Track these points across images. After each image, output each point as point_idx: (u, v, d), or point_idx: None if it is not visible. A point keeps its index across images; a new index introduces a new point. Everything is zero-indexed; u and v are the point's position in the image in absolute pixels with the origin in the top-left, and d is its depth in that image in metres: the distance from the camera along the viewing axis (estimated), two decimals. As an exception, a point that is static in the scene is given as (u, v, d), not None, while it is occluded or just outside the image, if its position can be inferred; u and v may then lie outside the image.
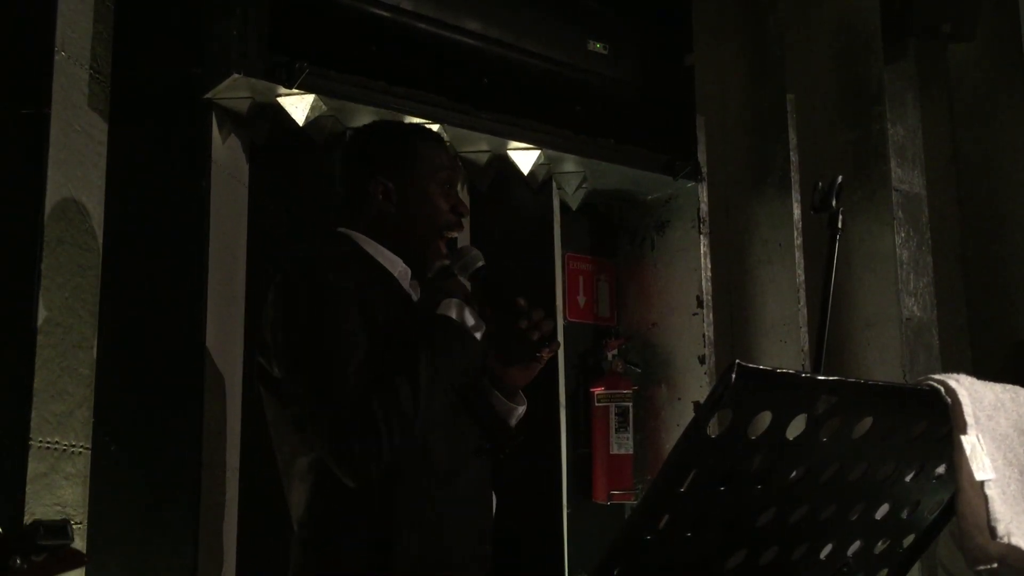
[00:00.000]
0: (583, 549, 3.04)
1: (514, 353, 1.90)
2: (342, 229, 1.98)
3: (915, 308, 3.43)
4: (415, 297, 1.95)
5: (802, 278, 3.33)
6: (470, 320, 1.81)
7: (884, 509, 1.27)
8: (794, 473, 1.13)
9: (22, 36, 2.21)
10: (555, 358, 2.98)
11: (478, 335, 1.82)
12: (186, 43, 2.39)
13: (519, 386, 1.96)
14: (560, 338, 3.07)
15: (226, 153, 2.48)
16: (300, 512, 1.82)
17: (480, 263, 1.93)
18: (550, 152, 2.94)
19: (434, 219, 1.95)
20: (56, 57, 2.20)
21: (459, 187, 2.04)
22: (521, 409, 1.97)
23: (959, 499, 1.23)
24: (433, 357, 1.74)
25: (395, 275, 1.92)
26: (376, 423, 1.66)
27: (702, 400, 3.15)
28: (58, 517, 2.15)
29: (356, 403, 1.67)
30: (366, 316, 1.77)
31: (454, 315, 1.81)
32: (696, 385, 3.19)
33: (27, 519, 2.05)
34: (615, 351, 3.28)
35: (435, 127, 2.58)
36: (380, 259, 1.92)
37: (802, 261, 3.34)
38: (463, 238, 2.85)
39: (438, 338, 1.78)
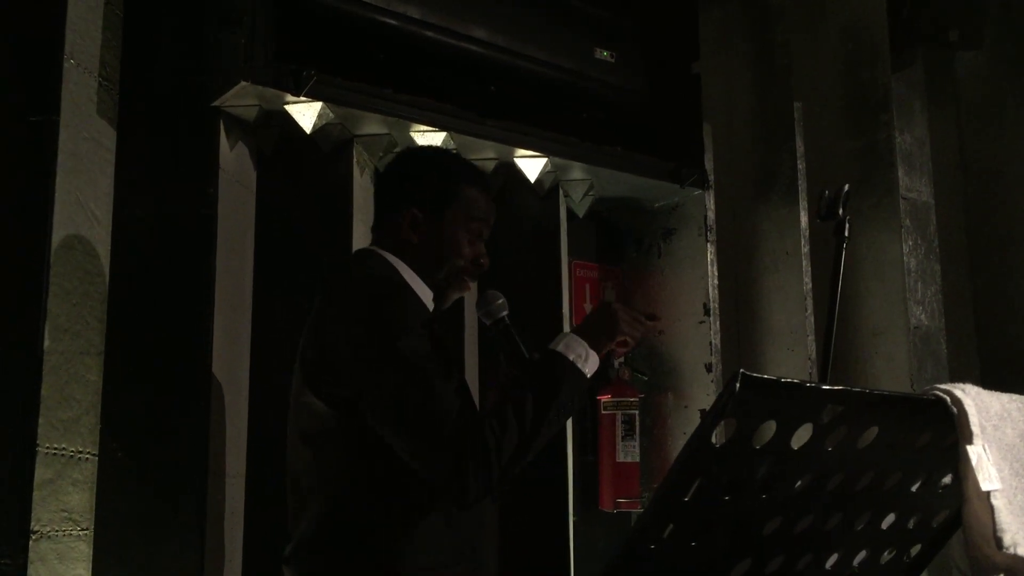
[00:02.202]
0: (589, 557, 3.03)
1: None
2: (374, 248, 1.96)
3: (923, 316, 3.42)
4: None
5: (809, 286, 3.33)
6: (576, 351, 1.78)
7: (890, 519, 1.27)
8: (799, 482, 1.13)
9: (31, 44, 2.22)
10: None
11: (587, 371, 1.79)
12: (194, 51, 2.40)
13: None
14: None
15: (234, 160, 2.48)
16: (315, 528, 1.80)
17: (504, 312, 1.93)
18: (557, 160, 2.95)
19: (453, 264, 1.94)
20: (65, 65, 2.21)
21: (486, 235, 2.02)
22: None
23: (965, 509, 1.23)
24: (545, 393, 1.72)
25: (426, 304, 1.91)
26: (489, 457, 1.65)
27: (709, 408, 3.14)
28: (64, 523, 2.16)
29: (469, 436, 1.65)
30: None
31: (560, 348, 1.78)
32: (703, 393, 3.18)
33: (33, 525, 2.06)
34: (621, 359, 3.27)
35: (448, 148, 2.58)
36: (413, 286, 1.91)
37: (809, 269, 3.34)
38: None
39: (549, 374, 1.76)
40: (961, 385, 1.26)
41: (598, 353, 1.81)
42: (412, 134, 2.66)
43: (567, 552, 2.90)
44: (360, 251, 2.02)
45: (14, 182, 2.17)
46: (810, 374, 3.22)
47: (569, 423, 3.00)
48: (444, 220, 1.94)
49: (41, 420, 2.08)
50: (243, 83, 2.30)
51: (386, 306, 1.77)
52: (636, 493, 3.16)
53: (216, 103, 2.39)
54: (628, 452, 3.16)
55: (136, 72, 2.41)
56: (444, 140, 2.69)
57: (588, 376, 1.79)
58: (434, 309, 1.97)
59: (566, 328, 3.09)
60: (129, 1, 2.43)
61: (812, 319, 3.30)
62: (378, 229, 2.00)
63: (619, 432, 3.17)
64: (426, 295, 1.93)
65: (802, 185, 3.38)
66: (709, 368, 3.17)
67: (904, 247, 3.41)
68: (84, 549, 2.21)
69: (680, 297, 3.27)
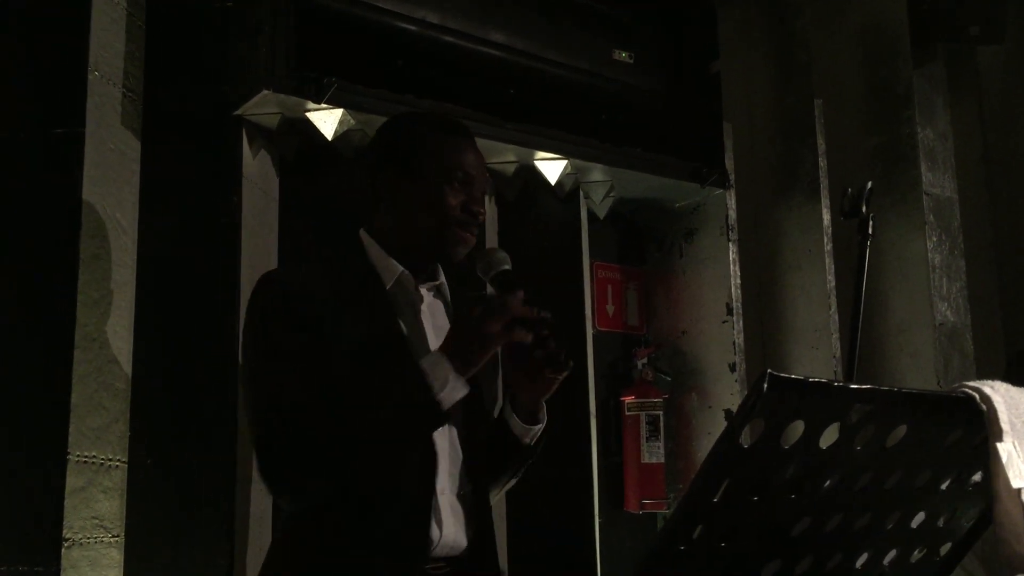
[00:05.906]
0: (615, 559, 3.03)
1: (526, 371, 1.76)
2: (360, 231, 1.84)
3: (948, 313, 3.40)
4: (425, 301, 1.80)
5: (833, 284, 3.31)
6: (445, 383, 1.58)
7: (920, 518, 1.26)
8: (828, 482, 1.13)
9: (56, 56, 2.24)
10: (585, 367, 2.98)
11: (445, 401, 1.58)
12: (216, 61, 2.42)
13: (536, 403, 1.81)
14: (589, 347, 3.07)
15: (256, 168, 2.50)
16: None
17: (505, 266, 1.75)
18: (577, 162, 2.95)
19: (439, 217, 1.74)
20: (89, 77, 2.23)
21: (478, 188, 1.79)
22: (538, 428, 1.83)
23: (995, 507, 1.22)
24: (388, 406, 1.59)
25: (388, 284, 1.76)
26: (300, 458, 1.57)
27: (733, 408, 3.13)
28: (95, 530, 2.18)
29: (285, 431, 1.58)
30: (319, 334, 1.64)
31: (427, 370, 1.58)
32: (727, 393, 3.18)
33: (65, 532, 2.08)
34: (645, 359, 3.27)
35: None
36: (378, 266, 1.78)
37: (832, 267, 3.32)
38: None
39: (403, 388, 1.59)
40: (990, 382, 1.25)
41: (465, 375, 1.60)
42: (433, 139, 2.67)
43: (593, 553, 2.90)
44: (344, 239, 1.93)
45: (41, 193, 2.20)
46: (835, 372, 3.21)
47: (592, 425, 3.00)
48: (417, 176, 1.76)
49: (71, 428, 2.11)
50: (265, 91, 2.31)
51: (257, 301, 1.71)
52: (662, 494, 3.15)
53: (238, 112, 2.40)
54: (653, 453, 3.16)
55: (159, 82, 2.44)
56: (462, 125, 2.69)
57: (444, 408, 1.58)
58: (446, 270, 1.84)
59: (588, 331, 3.09)
60: (151, 13, 2.46)
61: (836, 317, 3.29)
62: (366, 213, 1.86)
63: (643, 433, 3.16)
64: (391, 274, 1.77)
65: (824, 183, 3.37)
66: (733, 368, 3.17)
67: (928, 243, 3.39)
68: (115, 556, 2.23)
69: (703, 297, 3.26)
